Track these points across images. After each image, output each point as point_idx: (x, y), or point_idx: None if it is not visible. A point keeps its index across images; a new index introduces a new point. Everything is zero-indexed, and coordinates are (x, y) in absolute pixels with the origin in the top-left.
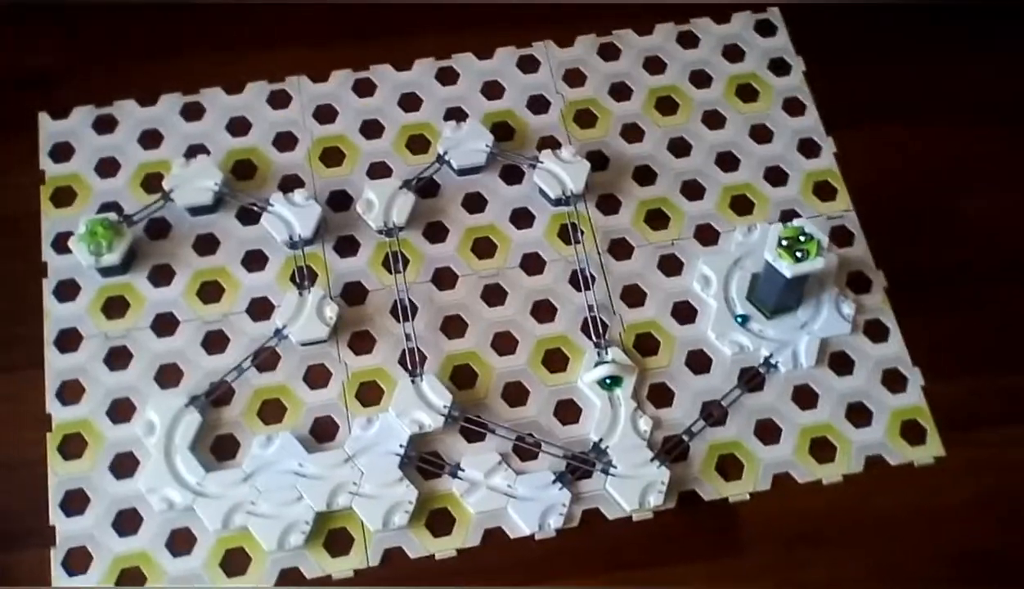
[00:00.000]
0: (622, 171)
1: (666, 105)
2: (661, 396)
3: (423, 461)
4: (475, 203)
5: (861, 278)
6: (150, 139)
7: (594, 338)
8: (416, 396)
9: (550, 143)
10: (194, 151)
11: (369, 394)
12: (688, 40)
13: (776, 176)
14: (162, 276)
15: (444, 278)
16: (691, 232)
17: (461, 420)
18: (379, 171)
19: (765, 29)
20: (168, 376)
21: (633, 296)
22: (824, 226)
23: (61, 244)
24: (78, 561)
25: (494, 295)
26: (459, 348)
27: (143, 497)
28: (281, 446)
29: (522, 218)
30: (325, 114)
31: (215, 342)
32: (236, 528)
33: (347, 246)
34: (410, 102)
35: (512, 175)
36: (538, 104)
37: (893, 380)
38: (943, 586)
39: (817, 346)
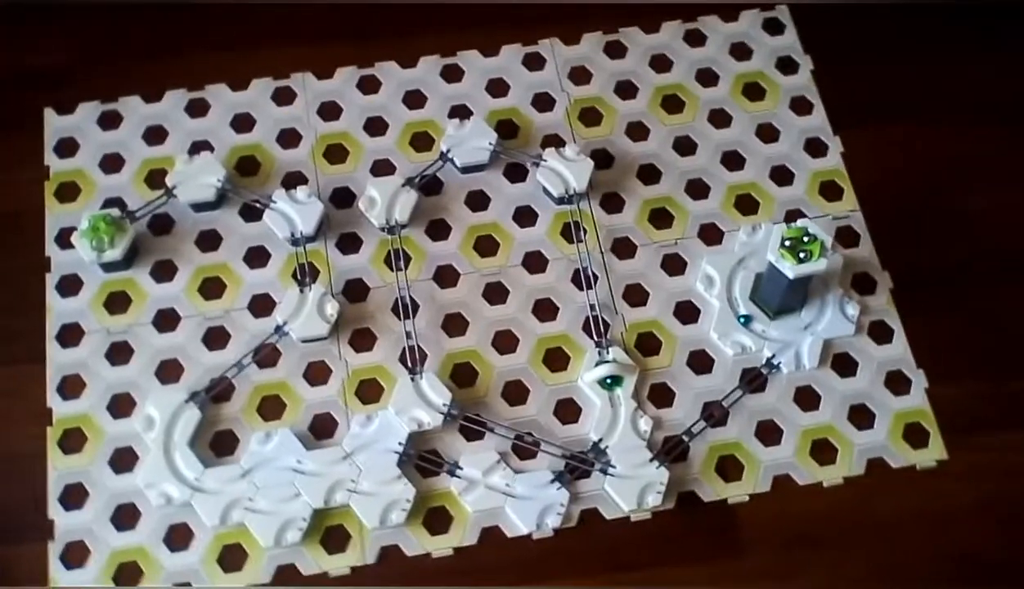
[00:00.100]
0: (626, 169)
1: (672, 103)
2: (662, 396)
3: (422, 459)
4: (478, 201)
5: (866, 279)
6: (154, 135)
7: (595, 337)
8: (416, 394)
9: (555, 141)
10: (198, 147)
11: (369, 391)
12: (695, 38)
13: (782, 175)
14: (164, 272)
15: (446, 276)
16: (695, 231)
17: (460, 418)
18: (383, 168)
19: (773, 27)
20: (169, 372)
21: (635, 295)
22: (830, 226)
23: (64, 239)
24: (76, 555)
25: (495, 293)
26: (460, 346)
27: (142, 492)
28: (280, 443)
29: (525, 216)
30: (329, 111)
31: (216, 338)
32: (234, 524)
33: (349, 243)
34: (414, 99)
35: (515, 173)
36: (543, 102)
37: (897, 382)
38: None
39: (820, 347)
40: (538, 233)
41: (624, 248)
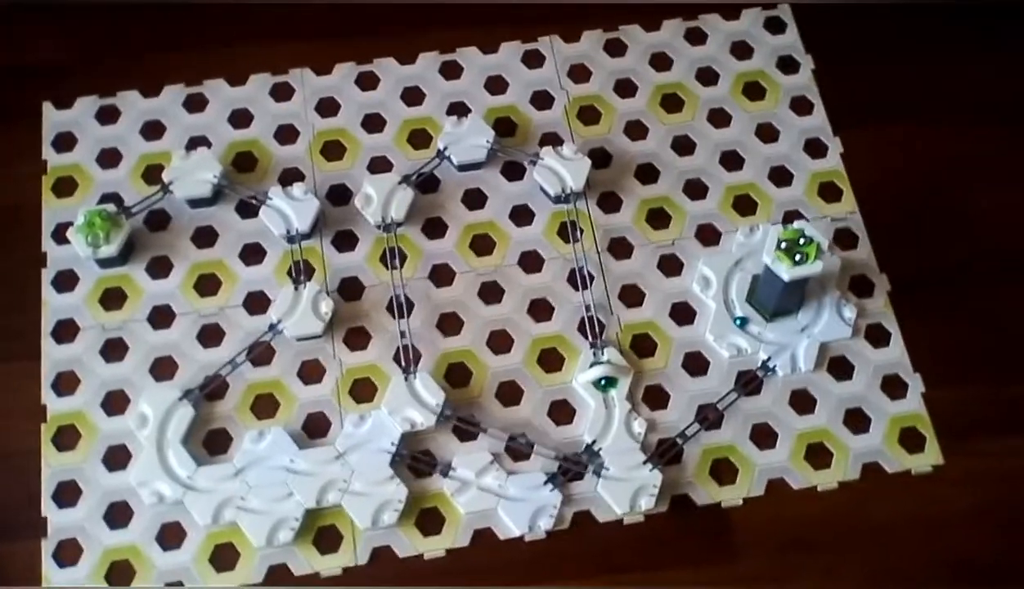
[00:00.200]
0: (624, 169)
1: (671, 102)
2: (656, 398)
3: (414, 459)
4: (475, 199)
5: (864, 281)
6: (152, 130)
7: (590, 338)
8: (409, 394)
9: (553, 139)
10: (195, 143)
11: (363, 391)
12: (696, 36)
13: (781, 176)
14: (160, 268)
15: (441, 275)
16: (692, 232)
17: (454, 419)
18: (380, 165)
19: (774, 26)
20: (163, 369)
21: (631, 296)
22: (828, 228)
23: (61, 234)
24: (69, 553)
25: (491, 293)
26: (454, 346)
27: (135, 490)
28: (273, 441)
29: (522, 215)
30: (327, 107)
31: (211, 335)
32: (226, 523)
33: (345, 241)
34: (413, 96)
35: (513, 171)
36: (542, 100)
37: (893, 386)
38: None
39: (816, 350)
40: (534, 232)
41: (621, 248)
